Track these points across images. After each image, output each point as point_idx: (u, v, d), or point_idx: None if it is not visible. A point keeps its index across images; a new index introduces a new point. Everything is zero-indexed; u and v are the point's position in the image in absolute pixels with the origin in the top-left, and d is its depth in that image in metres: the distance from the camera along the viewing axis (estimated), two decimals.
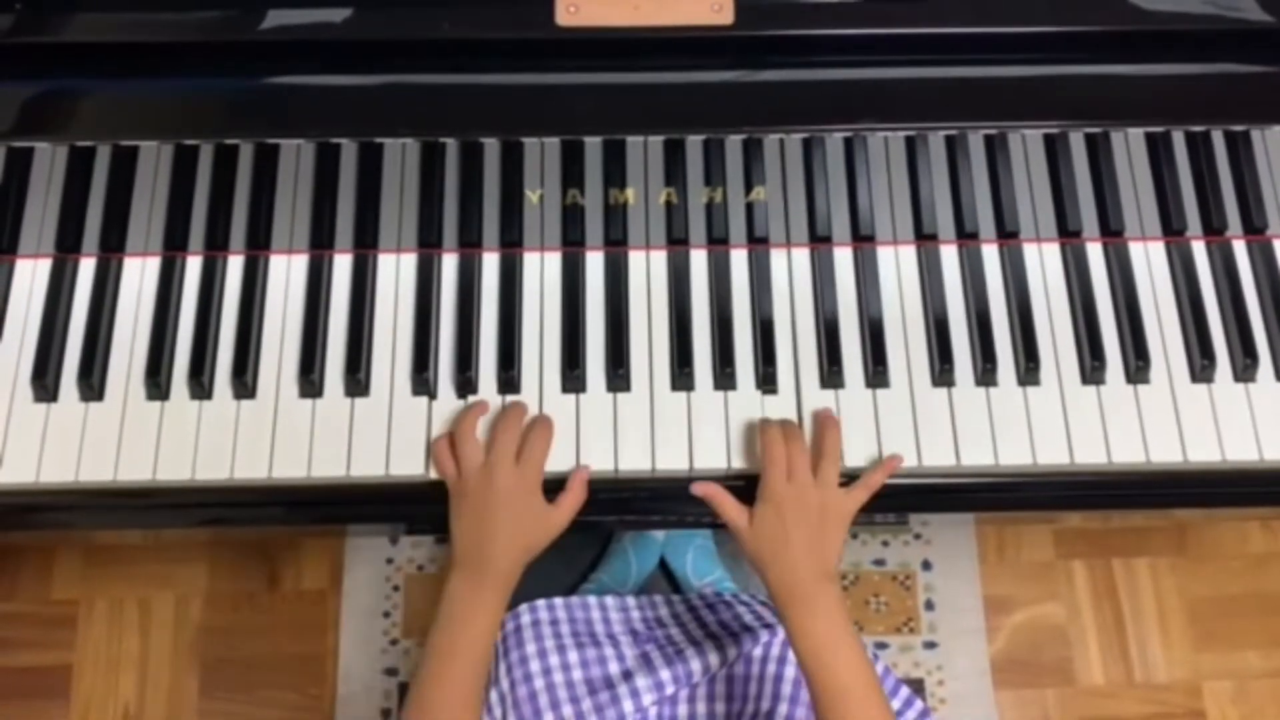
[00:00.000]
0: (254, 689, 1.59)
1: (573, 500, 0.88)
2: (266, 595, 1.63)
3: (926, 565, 1.65)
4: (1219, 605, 1.63)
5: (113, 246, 0.96)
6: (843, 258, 0.97)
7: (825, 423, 0.90)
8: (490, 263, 0.97)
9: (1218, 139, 0.96)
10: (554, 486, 0.88)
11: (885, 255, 0.97)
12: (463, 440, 0.88)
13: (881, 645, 1.60)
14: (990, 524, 1.64)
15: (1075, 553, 1.65)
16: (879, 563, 1.65)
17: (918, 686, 1.58)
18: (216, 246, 0.96)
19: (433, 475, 0.90)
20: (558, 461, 0.90)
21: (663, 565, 1.51)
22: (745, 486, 0.88)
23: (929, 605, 1.63)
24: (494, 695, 0.97)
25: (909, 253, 0.97)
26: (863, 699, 0.81)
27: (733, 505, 0.87)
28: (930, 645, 1.61)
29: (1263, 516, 1.59)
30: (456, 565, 0.87)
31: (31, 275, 0.96)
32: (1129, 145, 0.96)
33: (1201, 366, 0.92)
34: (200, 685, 1.59)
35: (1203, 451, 0.90)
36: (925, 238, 0.97)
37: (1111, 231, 0.97)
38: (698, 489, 0.88)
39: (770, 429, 0.88)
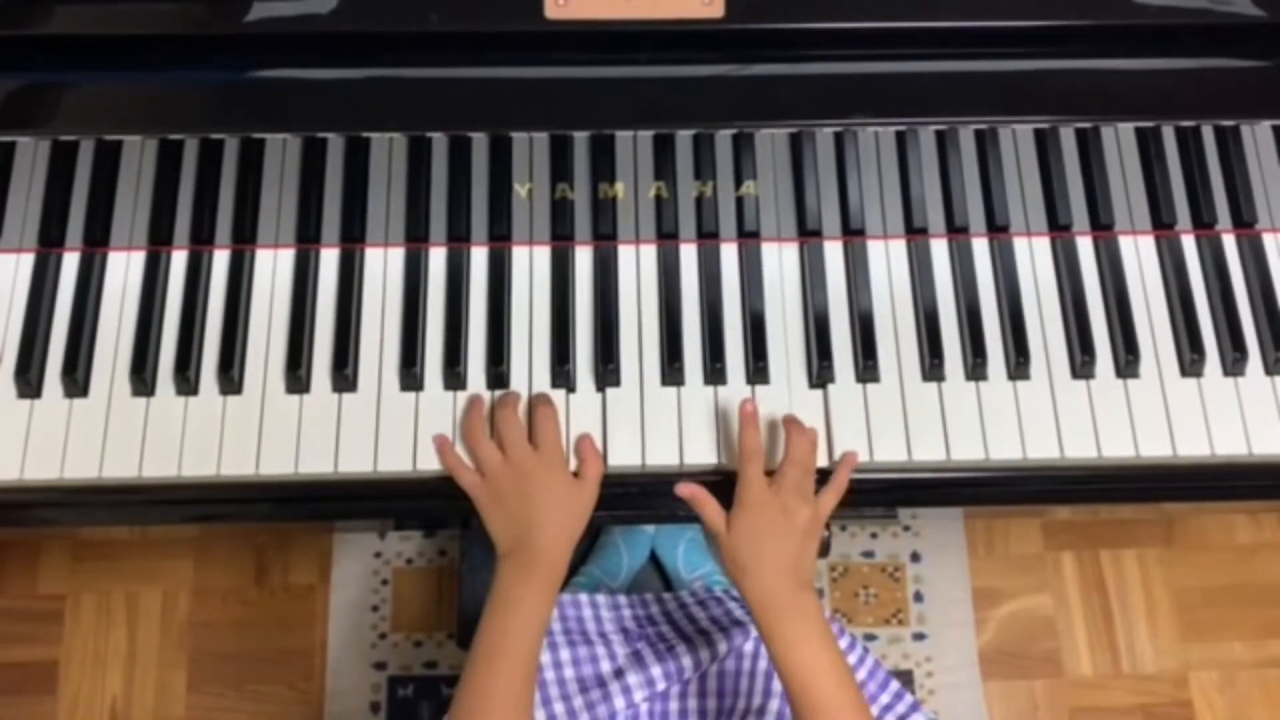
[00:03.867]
0: (242, 683, 1.59)
1: (593, 467, 0.88)
2: (254, 589, 1.63)
3: (915, 557, 1.65)
4: (1206, 596, 1.64)
5: (97, 241, 0.95)
6: (833, 252, 0.97)
7: (795, 432, 0.88)
8: (479, 257, 0.96)
9: (1207, 134, 0.96)
10: None
11: (875, 249, 0.97)
12: (476, 444, 0.87)
13: (870, 637, 1.61)
14: (979, 516, 1.64)
15: (1063, 544, 1.66)
16: (868, 554, 1.65)
17: (906, 678, 1.58)
18: (202, 241, 0.95)
19: (421, 471, 0.89)
20: None
21: (653, 558, 1.51)
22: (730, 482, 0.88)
23: (918, 597, 1.63)
24: None
25: (899, 247, 0.97)
26: (842, 706, 0.80)
27: (714, 509, 0.86)
28: (919, 637, 1.61)
29: (1251, 510, 1.60)
30: (504, 559, 0.86)
31: (14, 270, 0.95)
32: (1119, 140, 0.96)
33: (1191, 360, 0.92)
34: (188, 679, 1.59)
35: (1192, 445, 0.90)
36: (915, 232, 0.97)
37: (1102, 226, 0.97)
38: (682, 490, 0.87)
39: (749, 429, 0.87)
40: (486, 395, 0.91)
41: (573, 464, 0.89)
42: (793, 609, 0.83)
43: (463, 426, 0.89)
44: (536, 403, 0.89)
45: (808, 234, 0.96)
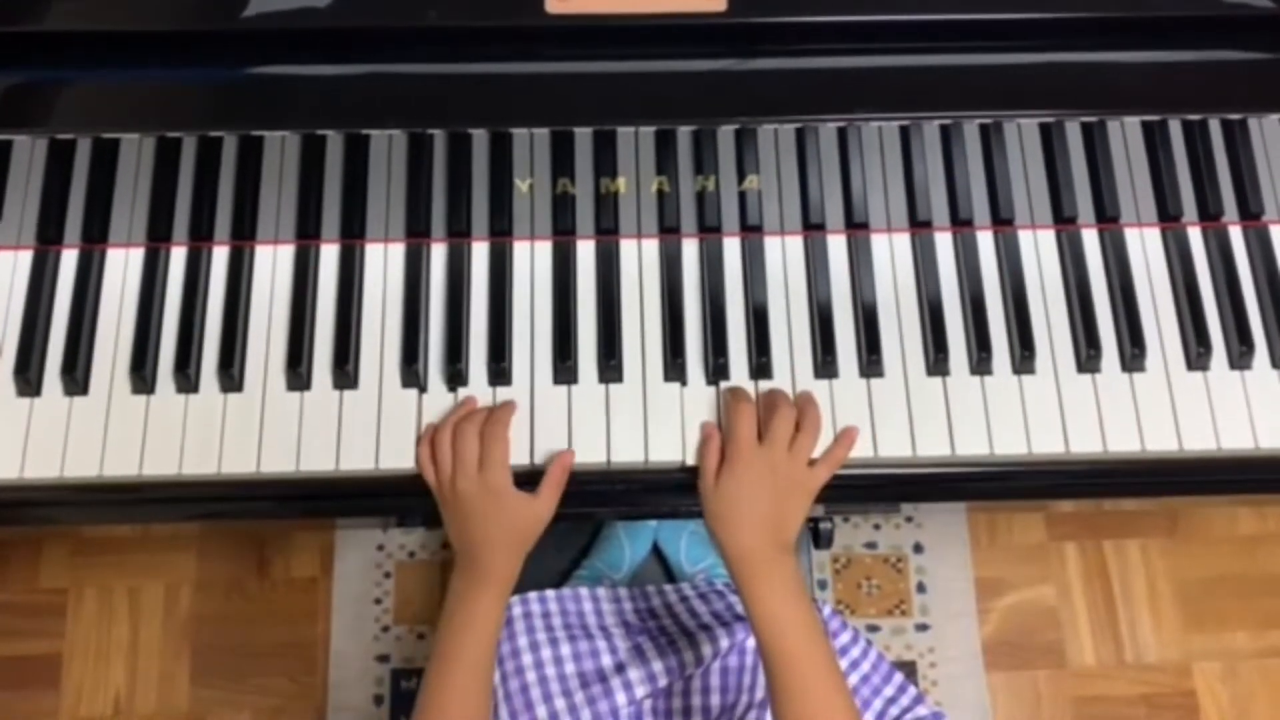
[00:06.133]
0: (245, 676, 1.59)
1: (553, 488, 0.87)
2: (257, 582, 1.63)
3: (918, 548, 1.65)
4: (1209, 586, 1.64)
5: (95, 238, 0.95)
6: (836, 245, 0.96)
7: (806, 399, 0.89)
8: (480, 252, 0.95)
9: (1214, 126, 0.95)
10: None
11: (879, 242, 0.96)
12: (438, 448, 0.87)
13: (873, 628, 1.61)
14: (982, 509, 1.64)
15: (1066, 535, 1.66)
16: (870, 546, 1.65)
17: (909, 669, 1.59)
18: (201, 237, 0.94)
19: None
20: (548, 454, 0.89)
21: (656, 551, 1.51)
22: None
23: (921, 588, 1.63)
24: None
25: (903, 240, 0.96)
26: (814, 671, 0.81)
27: (716, 454, 0.86)
28: (922, 628, 1.61)
29: (1257, 502, 1.60)
30: (457, 567, 0.87)
31: (13, 267, 0.95)
32: (1125, 132, 0.95)
33: (1197, 354, 0.92)
34: (191, 673, 1.59)
35: (1198, 439, 0.90)
36: (920, 224, 0.96)
37: (1107, 218, 0.96)
38: (705, 427, 0.88)
39: (740, 391, 0.88)
40: (487, 393, 0.91)
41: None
42: (769, 571, 0.83)
43: (436, 426, 0.88)
44: (490, 422, 0.87)
45: (811, 227, 0.96)
